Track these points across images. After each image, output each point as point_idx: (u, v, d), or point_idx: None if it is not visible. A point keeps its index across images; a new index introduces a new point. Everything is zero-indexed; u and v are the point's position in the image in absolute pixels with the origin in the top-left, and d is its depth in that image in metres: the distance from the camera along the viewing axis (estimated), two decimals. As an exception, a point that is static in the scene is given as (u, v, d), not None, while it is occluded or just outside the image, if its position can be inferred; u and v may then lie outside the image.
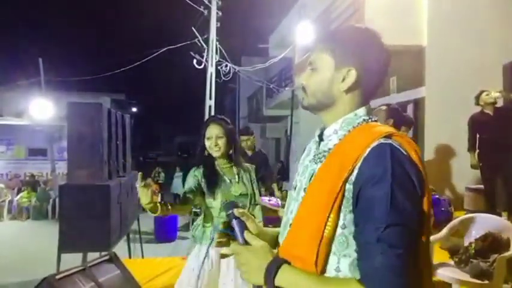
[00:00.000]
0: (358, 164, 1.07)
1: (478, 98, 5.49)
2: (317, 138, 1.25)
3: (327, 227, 1.07)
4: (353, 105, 1.19)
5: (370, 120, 1.18)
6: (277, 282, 1.08)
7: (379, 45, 1.19)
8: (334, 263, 1.09)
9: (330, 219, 1.07)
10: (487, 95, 5.39)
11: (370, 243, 1.01)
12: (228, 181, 2.58)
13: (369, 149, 1.07)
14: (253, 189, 2.63)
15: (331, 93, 1.19)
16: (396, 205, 1.00)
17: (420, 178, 1.06)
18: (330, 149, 1.18)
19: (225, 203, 1.36)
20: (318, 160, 1.20)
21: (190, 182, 2.59)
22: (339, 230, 1.08)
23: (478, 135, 5.57)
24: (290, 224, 1.21)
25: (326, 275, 1.09)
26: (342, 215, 1.08)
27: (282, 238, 1.27)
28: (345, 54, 1.16)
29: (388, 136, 1.11)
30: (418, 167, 1.08)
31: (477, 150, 5.57)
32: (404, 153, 1.07)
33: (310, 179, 1.19)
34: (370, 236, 1.01)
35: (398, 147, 1.08)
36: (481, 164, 5.54)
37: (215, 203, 2.55)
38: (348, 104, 1.19)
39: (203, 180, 2.57)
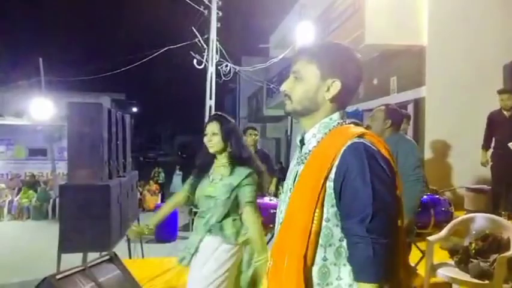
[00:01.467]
0: (336, 163, 1.22)
1: (499, 94, 5.40)
2: (298, 143, 1.39)
3: (314, 222, 1.21)
4: (331, 112, 1.34)
5: (344, 123, 1.33)
6: None
7: (358, 62, 1.35)
8: (321, 253, 1.23)
9: (315, 214, 1.22)
10: (502, 100, 5.32)
11: (358, 235, 1.16)
12: (210, 180, 2.57)
13: (344, 148, 1.22)
14: (229, 196, 2.47)
15: (316, 100, 1.32)
16: (378, 196, 1.17)
17: (391, 169, 1.24)
18: (310, 151, 1.32)
19: None
20: (301, 162, 1.34)
21: (189, 180, 2.72)
22: (323, 224, 1.23)
23: (494, 134, 5.54)
24: (280, 223, 1.34)
25: (315, 265, 1.23)
26: (325, 209, 1.23)
27: (275, 238, 1.39)
28: (331, 67, 1.31)
29: (361, 136, 1.26)
30: (388, 159, 1.26)
31: (491, 149, 5.55)
32: (375, 149, 1.24)
33: (295, 180, 1.34)
34: (358, 228, 1.16)
35: (369, 144, 1.24)
36: (491, 163, 5.53)
37: (193, 197, 2.65)
38: (328, 110, 1.34)
39: (195, 178, 2.66)
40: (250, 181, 2.50)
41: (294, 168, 1.38)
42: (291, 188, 1.35)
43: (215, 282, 2.41)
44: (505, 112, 5.36)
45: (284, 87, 1.36)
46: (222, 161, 2.57)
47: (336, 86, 1.30)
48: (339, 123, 1.32)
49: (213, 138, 2.53)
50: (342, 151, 1.22)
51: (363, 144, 1.23)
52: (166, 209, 2.85)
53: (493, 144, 5.58)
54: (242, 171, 2.50)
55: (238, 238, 2.49)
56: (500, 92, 5.40)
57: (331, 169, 1.22)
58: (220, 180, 2.53)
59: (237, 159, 2.52)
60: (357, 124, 1.35)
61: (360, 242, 1.15)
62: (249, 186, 2.49)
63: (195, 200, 2.66)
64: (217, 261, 2.46)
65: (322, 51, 1.35)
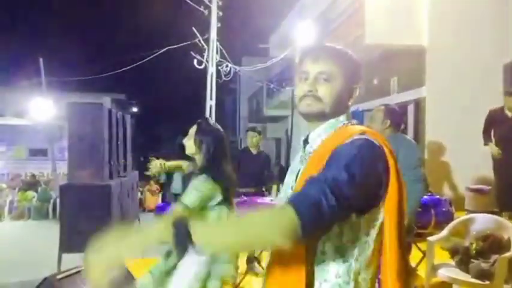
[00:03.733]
0: (333, 153, 1.21)
1: (505, 97, 5.35)
2: (302, 143, 1.39)
3: None
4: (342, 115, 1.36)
5: (349, 124, 1.34)
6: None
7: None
8: (320, 247, 1.22)
9: None
10: (509, 102, 5.26)
11: (316, 179, 1.13)
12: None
13: (344, 143, 1.22)
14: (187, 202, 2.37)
15: (345, 104, 1.36)
16: (351, 170, 1.13)
17: (386, 167, 1.23)
18: (314, 150, 1.32)
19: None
20: (304, 161, 1.35)
21: None
22: None
23: (492, 131, 5.50)
24: None
25: (314, 262, 1.22)
26: None
27: None
28: (355, 75, 1.35)
29: (362, 133, 1.26)
30: (386, 156, 1.24)
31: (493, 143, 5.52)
32: (377, 144, 1.24)
33: (297, 177, 1.33)
34: (320, 175, 1.14)
35: (372, 140, 1.24)
36: (493, 163, 5.52)
37: None
38: (343, 114, 1.35)
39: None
40: (198, 186, 2.39)
41: (296, 166, 1.38)
42: (292, 186, 1.35)
43: None
44: (508, 112, 5.32)
45: (310, 87, 1.31)
46: (196, 167, 2.60)
47: (356, 92, 1.37)
48: (344, 123, 1.34)
49: (188, 140, 2.59)
50: (342, 144, 1.22)
51: (363, 138, 1.24)
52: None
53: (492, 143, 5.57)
54: (200, 177, 2.42)
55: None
56: (507, 94, 5.34)
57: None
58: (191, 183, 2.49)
59: (201, 168, 2.48)
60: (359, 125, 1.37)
61: (312, 182, 1.12)
62: (194, 190, 2.37)
63: None
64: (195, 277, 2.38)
65: (350, 57, 1.37)
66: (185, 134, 2.63)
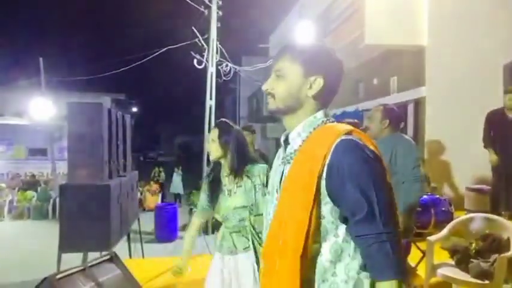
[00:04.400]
0: (327, 161, 1.21)
1: (505, 94, 5.27)
2: (282, 143, 1.39)
3: (312, 221, 1.20)
4: (314, 110, 1.34)
5: (328, 122, 1.33)
6: None
7: (339, 62, 1.37)
8: (317, 250, 1.24)
9: (313, 213, 1.21)
10: (510, 99, 5.18)
11: (369, 234, 1.17)
12: (227, 193, 2.48)
13: (334, 146, 1.22)
14: (255, 198, 2.41)
15: (299, 98, 1.33)
16: (377, 191, 1.19)
17: (381, 163, 1.27)
18: (295, 150, 1.31)
19: None
20: (287, 162, 1.34)
21: (202, 200, 2.60)
22: (318, 221, 1.23)
23: (492, 133, 5.43)
24: (269, 225, 1.33)
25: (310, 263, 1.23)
26: (319, 207, 1.23)
27: (264, 240, 1.38)
28: (314, 65, 1.32)
29: (349, 133, 1.27)
30: (376, 152, 1.27)
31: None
32: (362, 143, 1.26)
33: (281, 179, 1.33)
34: (367, 226, 1.18)
35: (358, 141, 1.25)
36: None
37: (218, 216, 2.54)
38: (311, 108, 1.34)
39: (208, 193, 2.57)
40: (262, 181, 2.43)
41: (279, 168, 1.37)
42: (277, 189, 1.34)
43: None
44: (508, 114, 5.24)
45: (266, 86, 1.36)
46: (226, 170, 2.50)
47: (318, 83, 1.32)
48: (323, 121, 1.33)
49: (211, 146, 2.51)
50: (332, 149, 1.22)
51: (351, 140, 1.24)
52: (190, 241, 2.68)
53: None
54: (254, 171, 2.45)
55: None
56: (506, 92, 5.26)
57: (323, 168, 1.21)
58: (239, 187, 2.44)
59: (233, 166, 2.44)
60: (354, 123, 1.37)
61: (374, 242, 1.16)
62: (262, 187, 2.42)
63: (217, 215, 2.56)
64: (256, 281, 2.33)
65: (304, 49, 1.36)
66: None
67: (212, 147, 2.49)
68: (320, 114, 1.34)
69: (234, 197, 2.44)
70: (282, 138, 1.39)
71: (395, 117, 3.37)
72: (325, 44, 1.44)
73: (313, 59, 1.33)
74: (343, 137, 1.24)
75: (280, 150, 1.42)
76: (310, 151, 1.26)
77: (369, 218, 1.17)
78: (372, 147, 1.27)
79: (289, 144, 1.36)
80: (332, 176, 1.20)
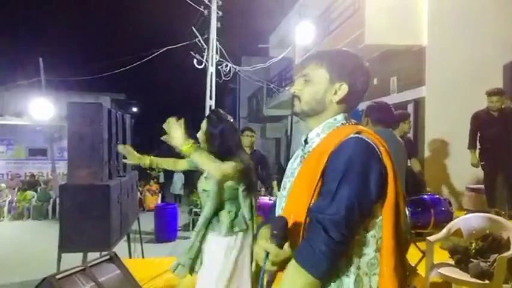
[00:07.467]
0: (330, 158, 1.25)
1: (488, 96, 5.33)
2: (303, 143, 1.43)
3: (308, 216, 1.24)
4: (337, 114, 1.39)
5: (347, 124, 1.37)
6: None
7: (366, 69, 1.43)
8: None
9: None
10: (492, 102, 5.27)
11: (315, 222, 1.20)
12: (203, 177, 2.67)
13: (340, 144, 1.25)
14: (218, 188, 2.55)
15: (324, 102, 1.38)
16: (355, 194, 1.19)
17: (381, 165, 1.25)
18: (313, 149, 1.35)
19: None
20: (303, 160, 1.38)
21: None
22: None
23: (479, 133, 5.51)
24: None
25: None
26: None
27: None
28: (340, 71, 1.37)
29: (358, 132, 1.30)
30: (383, 153, 1.26)
31: (478, 148, 5.54)
32: (371, 143, 1.26)
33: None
34: (318, 213, 1.20)
35: (366, 139, 1.27)
36: (482, 163, 5.52)
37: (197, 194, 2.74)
38: (335, 112, 1.38)
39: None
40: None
41: (297, 168, 1.40)
42: (290, 186, 1.38)
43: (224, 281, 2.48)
44: (492, 112, 5.34)
45: (293, 88, 1.42)
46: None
47: (343, 89, 1.37)
48: (342, 123, 1.37)
49: (200, 134, 2.66)
50: (337, 146, 1.25)
51: (356, 138, 1.27)
52: (168, 161, 3.09)
53: (478, 143, 5.56)
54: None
55: (234, 228, 2.56)
56: (490, 94, 5.30)
57: (326, 164, 1.25)
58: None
59: (219, 154, 2.53)
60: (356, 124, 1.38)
61: (315, 219, 1.19)
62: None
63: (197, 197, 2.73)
64: (219, 261, 2.51)
65: (331, 56, 1.41)
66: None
67: (200, 137, 2.66)
68: (340, 116, 1.38)
69: (203, 181, 2.66)
70: (303, 138, 1.44)
71: (376, 113, 3.16)
72: (354, 51, 1.48)
73: (339, 65, 1.38)
74: (352, 135, 1.28)
75: (299, 150, 1.46)
76: (319, 149, 1.30)
77: (327, 200, 1.19)
78: (381, 148, 1.28)
79: (308, 143, 1.41)
80: (328, 169, 1.24)
